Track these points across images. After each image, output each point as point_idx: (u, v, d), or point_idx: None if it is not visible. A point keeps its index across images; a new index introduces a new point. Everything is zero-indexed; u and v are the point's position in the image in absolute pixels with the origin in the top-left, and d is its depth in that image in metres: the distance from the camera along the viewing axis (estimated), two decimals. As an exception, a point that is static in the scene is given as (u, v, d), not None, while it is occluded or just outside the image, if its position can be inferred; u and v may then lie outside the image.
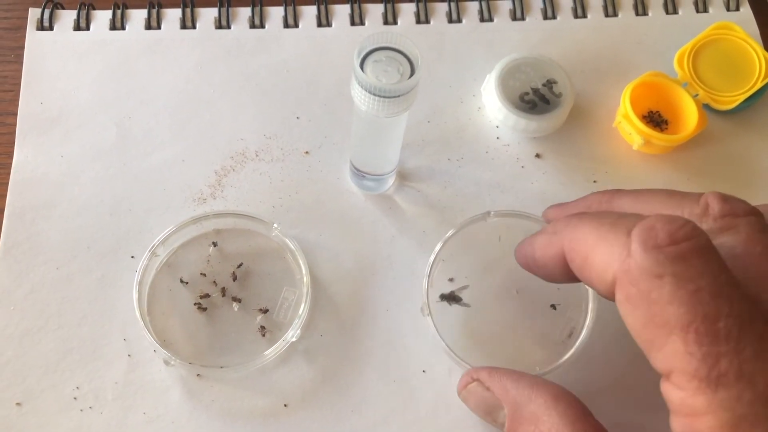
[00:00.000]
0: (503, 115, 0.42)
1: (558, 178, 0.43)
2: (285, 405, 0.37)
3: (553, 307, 0.39)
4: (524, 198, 0.42)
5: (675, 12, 0.48)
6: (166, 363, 0.36)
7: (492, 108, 0.43)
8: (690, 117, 0.42)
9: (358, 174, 0.40)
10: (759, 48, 0.44)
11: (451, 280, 0.39)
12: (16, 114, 0.43)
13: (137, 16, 0.46)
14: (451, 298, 0.38)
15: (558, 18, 0.47)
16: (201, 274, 0.39)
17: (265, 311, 0.38)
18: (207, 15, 0.46)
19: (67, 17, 0.46)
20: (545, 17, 0.47)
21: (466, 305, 0.38)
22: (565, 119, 0.43)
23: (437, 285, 0.39)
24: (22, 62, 0.44)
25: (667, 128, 0.43)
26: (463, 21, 0.47)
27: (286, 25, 0.46)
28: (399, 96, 0.32)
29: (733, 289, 0.24)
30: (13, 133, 0.42)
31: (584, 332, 0.37)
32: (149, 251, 0.38)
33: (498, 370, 0.33)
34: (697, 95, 0.43)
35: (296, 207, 0.41)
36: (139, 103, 0.44)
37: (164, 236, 0.39)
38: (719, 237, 0.28)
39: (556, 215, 0.37)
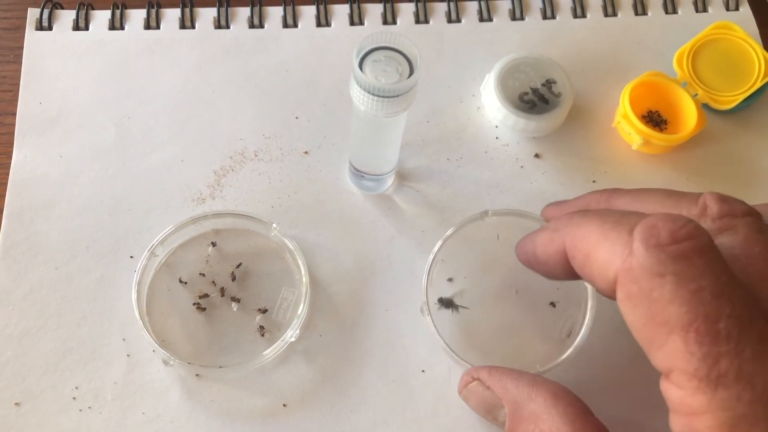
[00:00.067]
0: (502, 114, 0.42)
1: (557, 178, 0.43)
2: (284, 405, 0.37)
3: (553, 304, 0.39)
4: (523, 198, 0.42)
5: (674, 12, 0.48)
6: (165, 363, 0.36)
7: (491, 108, 0.43)
8: (689, 117, 0.42)
9: (358, 174, 0.40)
10: (758, 48, 0.44)
11: (450, 280, 0.39)
12: (15, 114, 0.43)
13: (136, 16, 0.46)
14: (448, 304, 0.38)
15: (557, 18, 0.47)
16: (200, 274, 0.39)
17: (264, 311, 0.38)
18: (206, 15, 0.46)
19: (66, 17, 0.46)
20: (544, 17, 0.47)
21: (464, 307, 0.38)
22: (565, 119, 0.43)
23: (436, 285, 0.39)
24: (21, 62, 0.44)
25: (666, 128, 0.43)
26: (463, 21, 0.47)
27: (285, 25, 0.46)
28: (398, 96, 0.32)
29: (735, 289, 0.24)
30: (12, 133, 0.42)
31: (584, 330, 0.37)
32: (148, 251, 0.38)
33: (498, 369, 0.33)
34: (696, 95, 0.43)
35: (295, 207, 0.41)
36: (138, 103, 0.44)
37: (163, 236, 0.39)
38: (717, 238, 0.28)
39: (554, 214, 0.37)
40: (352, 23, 0.47)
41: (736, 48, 0.44)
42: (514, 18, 0.47)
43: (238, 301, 0.39)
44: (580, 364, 0.37)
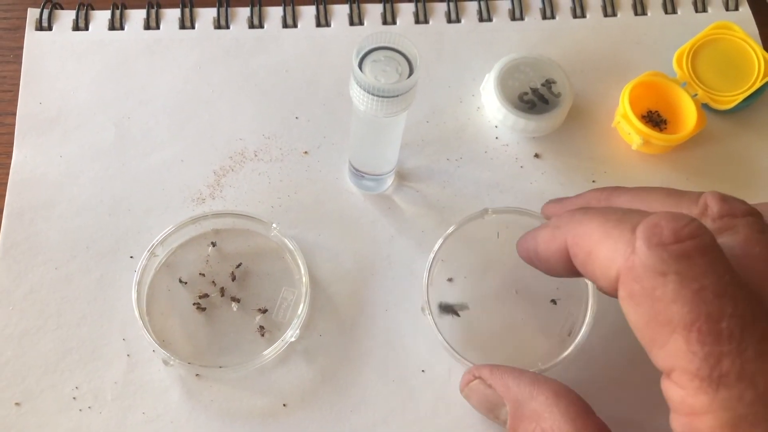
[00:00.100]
0: (502, 114, 0.42)
1: (557, 178, 0.43)
2: (284, 405, 0.37)
3: (554, 302, 0.39)
4: (523, 198, 0.42)
5: (674, 12, 0.48)
6: (165, 363, 0.36)
7: (491, 108, 0.43)
8: (689, 117, 0.42)
9: (357, 174, 0.40)
10: (758, 48, 0.44)
11: (450, 279, 0.39)
12: (14, 114, 0.43)
13: (136, 16, 0.46)
14: (448, 310, 0.38)
15: (557, 18, 0.47)
16: (200, 274, 0.39)
17: (264, 311, 0.38)
18: (206, 15, 0.46)
19: (65, 17, 0.46)
20: (544, 17, 0.47)
21: (466, 308, 0.38)
22: (564, 119, 0.43)
23: (436, 285, 0.39)
24: (21, 62, 0.44)
25: (666, 128, 0.43)
26: (462, 21, 0.47)
27: (285, 25, 0.46)
28: (397, 96, 0.32)
29: (737, 288, 0.24)
30: (12, 133, 0.42)
31: (584, 328, 0.37)
32: (148, 251, 0.38)
33: (499, 368, 0.33)
34: (696, 95, 0.43)
35: (295, 207, 0.41)
36: (138, 103, 0.44)
37: (163, 236, 0.39)
38: (718, 237, 0.28)
39: (554, 211, 0.37)
40: (351, 23, 0.47)
41: (736, 48, 0.44)
42: (513, 18, 0.47)
43: (238, 301, 0.38)
44: (580, 362, 0.37)
